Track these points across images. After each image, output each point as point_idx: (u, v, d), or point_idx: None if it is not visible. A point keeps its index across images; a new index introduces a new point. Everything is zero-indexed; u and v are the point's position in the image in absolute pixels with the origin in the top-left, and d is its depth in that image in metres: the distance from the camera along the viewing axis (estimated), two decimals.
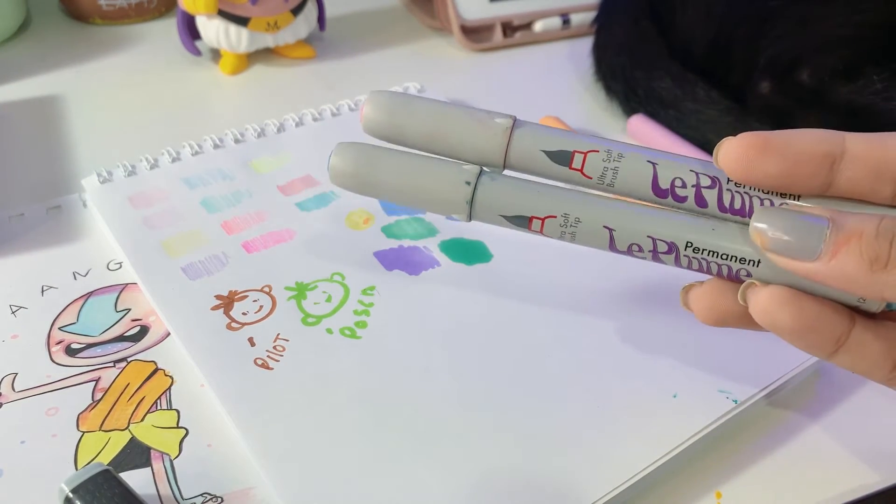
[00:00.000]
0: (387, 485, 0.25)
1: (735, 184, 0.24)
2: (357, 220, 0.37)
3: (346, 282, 0.33)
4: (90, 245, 0.36)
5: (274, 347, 0.30)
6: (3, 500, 0.26)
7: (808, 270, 0.22)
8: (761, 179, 0.22)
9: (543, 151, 0.24)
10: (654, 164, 0.24)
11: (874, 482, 0.27)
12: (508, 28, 0.55)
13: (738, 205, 0.23)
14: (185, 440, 0.28)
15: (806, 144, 0.22)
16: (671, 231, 0.24)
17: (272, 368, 0.29)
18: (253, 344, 0.30)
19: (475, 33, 0.54)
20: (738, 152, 0.22)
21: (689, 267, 0.24)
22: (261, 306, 0.32)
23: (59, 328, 0.32)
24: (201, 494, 0.26)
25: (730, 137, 0.23)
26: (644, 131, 0.44)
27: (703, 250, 0.24)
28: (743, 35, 0.43)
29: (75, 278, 0.34)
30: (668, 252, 0.24)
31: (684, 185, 0.24)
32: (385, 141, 0.26)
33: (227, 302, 0.32)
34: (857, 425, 0.29)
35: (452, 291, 0.33)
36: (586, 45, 0.51)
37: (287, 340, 0.30)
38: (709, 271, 0.24)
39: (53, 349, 0.31)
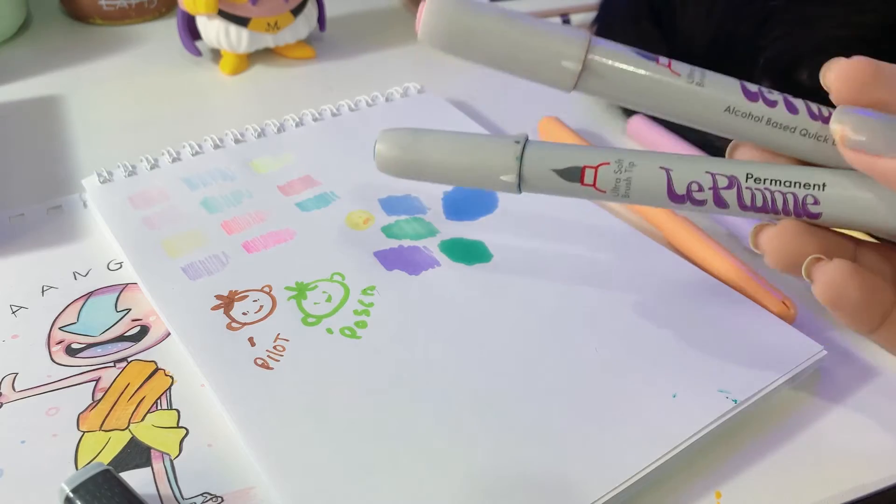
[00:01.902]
0: (387, 484, 0.25)
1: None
2: (357, 221, 0.37)
3: (346, 282, 0.33)
4: (90, 245, 0.36)
5: (274, 347, 0.30)
6: (3, 500, 0.26)
7: (888, 167, 0.21)
8: (866, 104, 0.22)
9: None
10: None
11: (874, 482, 0.27)
12: None
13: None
14: (186, 440, 0.28)
15: None
16: (730, 166, 0.23)
17: (272, 368, 0.29)
18: (253, 344, 0.30)
19: None
20: (853, 74, 0.22)
21: (753, 204, 0.23)
22: (261, 306, 0.32)
23: (60, 328, 0.32)
24: (201, 494, 0.26)
25: (841, 59, 0.22)
26: (644, 131, 0.44)
27: (766, 179, 0.23)
28: (743, 35, 0.43)
29: (75, 278, 0.34)
30: (730, 187, 0.23)
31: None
32: (450, 52, 0.24)
33: (227, 302, 0.32)
34: (857, 425, 0.29)
35: (452, 292, 0.33)
36: None
37: (287, 340, 0.30)
38: (773, 206, 0.23)
39: (54, 349, 0.31)
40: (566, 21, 0.55)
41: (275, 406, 0.28)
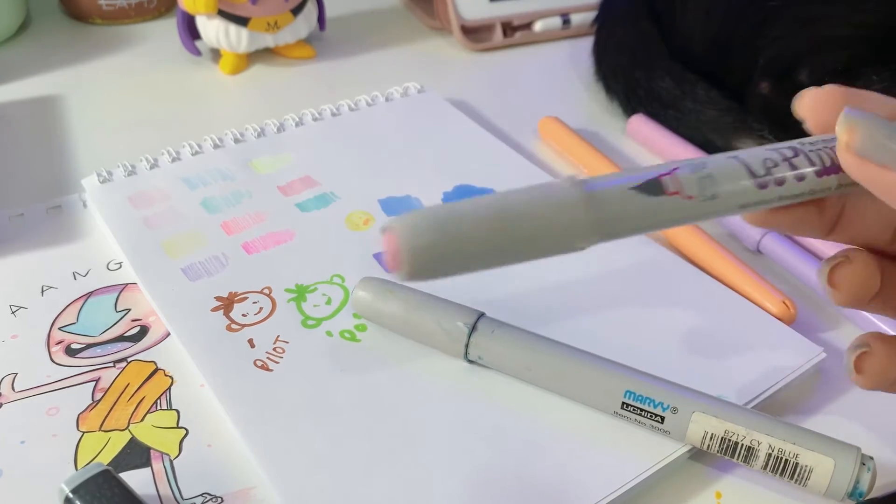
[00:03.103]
0: (386, 485, 0.25)
1: (811, 143, 0.22)
2: (357, 221, 0.37)
3: (345, 284, 0.33)
4: (90, 245, 0.36)
5: (274, 349, 0.30)
6: (3, 500, 0.26)
7: (892, 181, 0.20)
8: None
9: (632, 188, 0.20)
10: (735, 157, 0.21)
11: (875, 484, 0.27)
12: (508, 28, 0.55)
13: (828, 161, 0.21)
14: (185, 440, 0.28)
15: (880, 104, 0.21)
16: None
17: (272, 370, 0.29)
18: (253, 345, 0.30)
19: (475, 33, 0.54)
20: (824, 101, 0.22)
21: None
22: (260, 308, 0.32)
23: (59, 328, 0.32)
24: (201, 494, 0.26)
25: (812, 88, 0.22)
26: (644, 131, 0.44)
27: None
28: (743, 35, 0.43)
29: (75, 278, 0.34)
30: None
31: (776, 164, 0.21)
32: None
33: (227, 303, 0.32)
34: (855, 426, 0.29)
35: (452, 294, 0.33)
36: (586, 45, 0.51)
37: (287, 342, 0.30)
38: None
39: (53, 349, 0.31)
40: (566, 21, 0.55)
41: (274, 407, 0.28)
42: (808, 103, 0.22)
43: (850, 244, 0.23)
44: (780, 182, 0.21)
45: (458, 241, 0.19)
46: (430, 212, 0.19)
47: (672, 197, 0.20)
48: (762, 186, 0.21)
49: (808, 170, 0.21)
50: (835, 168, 0.22)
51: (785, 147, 0.22)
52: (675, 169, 0.21)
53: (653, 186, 0.20)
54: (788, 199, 0.22)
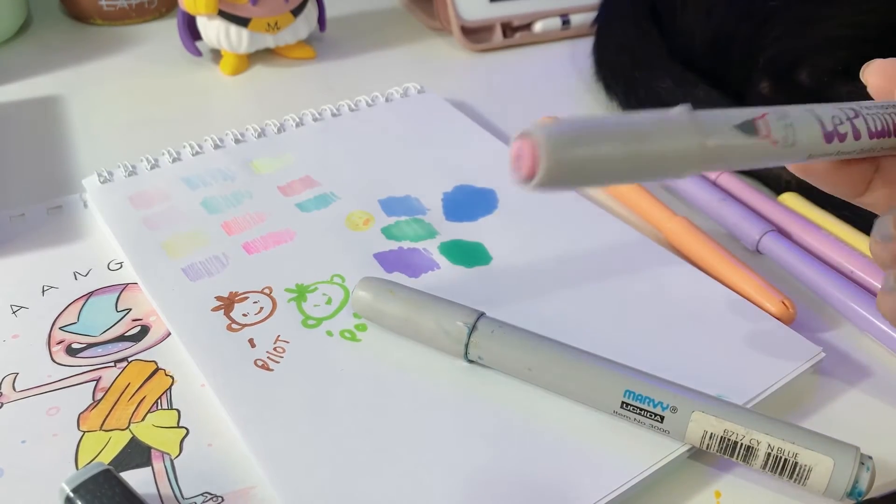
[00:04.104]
0: (386, 485, 0.25)
1: (866, 108, 0.24)
2: (357, 221, 0.37)
3: (346, 284, 0.33)
4: (91, 245, 0.36)
5: (274, 349, 0.30)
6: (3, 499, 0.26)
7: None
8: None
9: (734, 126, 0.22)
10: (810, 111, 0.23)
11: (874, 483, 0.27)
12: (508, 28, 0.55)
13: (880, 126, 0.24)
14: (186, 440, 0.28)
15: None
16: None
17: (272, 370, 0.29)
18: (253, 345, 0.30)
19: (475, 34, 0.54)
20: (887, 70, 0.25)
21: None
22: (261, 308, 0.32)
23: (60, 328, 0.32)
24: (202, 494, 0.26)
25: (877, 59, 0.25)
26: None
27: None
28: (743, 35, 0.43)
29: (76, 278, 0.34)
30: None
31: (841, 122, 0.23)
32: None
33: (227, 303, 0.32)
34: (856, 426, 0.29)
35: (452, 294, 0.33)
36: (586, 45, 0.51)
37: (287, 342, 0.30)
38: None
39: (54, 349, 0.31)
40: (566, 22, 0.55)
41: (275, 407, 0.28)
42: (871, 71, 0.25)
43: (877, 209, 0.26)
44: (843, 138, 0.23)
45: (594, 156, 0.19)
46: (571, 124, 0.19)
47: (762, 140, 0.22)
48: (829, 140, 0.23)
49: (865, 130, 0.23)
50: (887, 131, 0.24)
51: (847, 108, 0.24)
52: (764, 114, 0.22)
53: (749, 127, 0.22)
54: (845, 155, 0.24)
